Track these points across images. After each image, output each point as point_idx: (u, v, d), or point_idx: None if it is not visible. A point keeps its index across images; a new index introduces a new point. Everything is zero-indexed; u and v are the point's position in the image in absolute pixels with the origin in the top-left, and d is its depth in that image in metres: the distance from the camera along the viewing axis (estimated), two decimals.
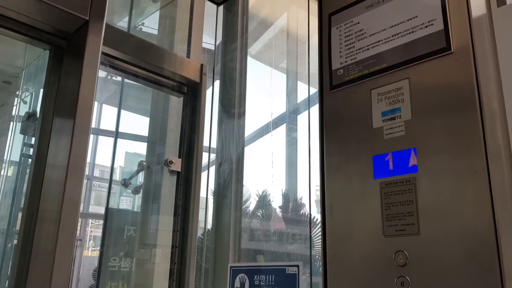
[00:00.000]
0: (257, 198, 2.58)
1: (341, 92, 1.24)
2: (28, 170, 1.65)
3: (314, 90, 2.19)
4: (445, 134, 1.00)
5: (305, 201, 2.51)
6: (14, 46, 1.95)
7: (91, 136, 1.47)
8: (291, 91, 2.91)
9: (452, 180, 0.97)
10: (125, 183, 2.28)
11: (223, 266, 2.09)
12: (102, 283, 1.88)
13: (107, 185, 2.31)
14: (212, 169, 2.40)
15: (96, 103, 1.51)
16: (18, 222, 1.67)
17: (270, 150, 2.50)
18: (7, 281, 1.93)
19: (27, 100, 2.63)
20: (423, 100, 1.06)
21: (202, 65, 2.16)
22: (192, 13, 2.32)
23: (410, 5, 1.14)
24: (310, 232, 2.06)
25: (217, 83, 2.48)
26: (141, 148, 2.33)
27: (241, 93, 2.42)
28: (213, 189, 2.34)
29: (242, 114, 2.37)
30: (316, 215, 2.08)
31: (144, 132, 2.31)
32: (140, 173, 2.23)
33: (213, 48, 2.58)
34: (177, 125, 2.18)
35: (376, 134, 1.12)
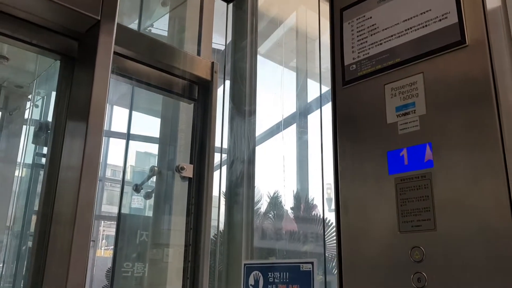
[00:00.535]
0: (268, 200, 2.58)
1: (354, 88, 1.23)
2: (41, 172, 1.67)
3: (326, 88, 2.18)
4: (461, 129, 0.99)
5: (316, 201, 2.50)
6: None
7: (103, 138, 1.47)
8: (302, 89, 2.90)
9: (468, 175, 0.96)
10: (136, 189, 2.30)
11: (236, 267, 2.09)
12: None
13: (118, 184, 2.33)
14: (224, 169, 2.41)
15: (107, 105, 1.51)
16: (33, 223, 1.68)
17: (281, 150, 2.49)
18: (22, 281, 1.95)
19: (39, 104, 2.65)
20: (438, 95, 1.05)
21: (213, 63, 2.16)
22: (202, 11, 2.32)
23: None
24: (324, 233, 2.05)
25: (227, 82, 2.48)
26: (153, 148, 2.34)
27: (251, 91, 2.42)
28: (224, 190, 2.35)
29: (253, 112, 2.36)
30: (329, 216, 2.08)
31: (156, 133, 2.33)
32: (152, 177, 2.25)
33: (222, 49, 2.58)
34: (188, 124, 2.19)
35: (390, 129, 1.11)
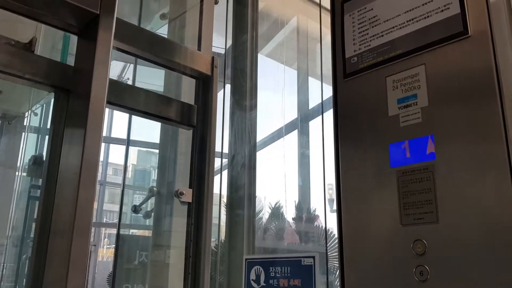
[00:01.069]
0: (269, 211, 2.59)
1: (355, 80, 1.22)
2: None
3: (326, 93, 2.17)
4: (463, 121, 0.98)
5: (318, 212, 2.51)
6: None
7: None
8: (302, 87, 2.90)
9: (471, 167, 0.95)
10: (135, 210, 2.29)
11: (237, 280, 2.08)
12: None
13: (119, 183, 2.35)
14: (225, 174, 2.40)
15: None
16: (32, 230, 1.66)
17: (282, 154, 2.49)
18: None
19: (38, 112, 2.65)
20: (440, 86, 1.04)
21: (213, 57, 2.14)
22: (202, 6, 2.31)
23: None
24: (326, 244, 2.04)
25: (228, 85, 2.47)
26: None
27: (252, 86, 2.41)
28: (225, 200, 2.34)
29: (254, 106, 2.36)
30: (331, 228, 2.07)
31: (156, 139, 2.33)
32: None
33: (222, 52, 2.56)
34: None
35: (392, 122, 1.10)
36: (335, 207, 1.18)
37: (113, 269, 2.06)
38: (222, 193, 2.32)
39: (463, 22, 1.02)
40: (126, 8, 2.40)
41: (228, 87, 2.44)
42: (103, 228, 8.04)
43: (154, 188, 2.20)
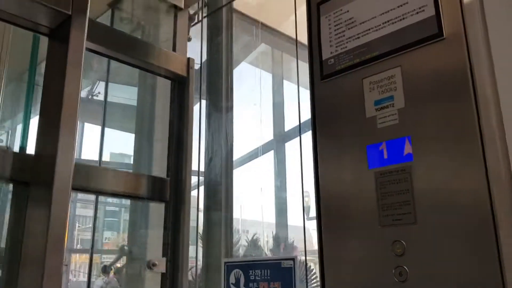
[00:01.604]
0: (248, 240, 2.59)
1: (332, 82, 1.22)
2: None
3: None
4: (439, 121, 0.99)
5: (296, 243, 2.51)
6: None
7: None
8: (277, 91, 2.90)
9: (448, 168, 0.96)
10: (105, 271, 2.19)
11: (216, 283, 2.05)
12: None
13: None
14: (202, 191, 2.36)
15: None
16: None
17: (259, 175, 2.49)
18: None
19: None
20: (416, 88, 1.05)
21: (189, 58, 2.12)
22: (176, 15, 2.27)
23: None
24: (306, 273, 2.02)
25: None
26: None
27: (227, 86, 2.40)
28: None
29: (230, 108, 2.34)
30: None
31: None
32: None
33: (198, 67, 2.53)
34: (164, 134, 2.12)
35: (369, 123, 1.11)
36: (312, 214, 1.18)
37: None
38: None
39: (438, 24, 1.03)
40: None
41: (203, 102, 2.41)
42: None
43: (125, 248, 2.10)
